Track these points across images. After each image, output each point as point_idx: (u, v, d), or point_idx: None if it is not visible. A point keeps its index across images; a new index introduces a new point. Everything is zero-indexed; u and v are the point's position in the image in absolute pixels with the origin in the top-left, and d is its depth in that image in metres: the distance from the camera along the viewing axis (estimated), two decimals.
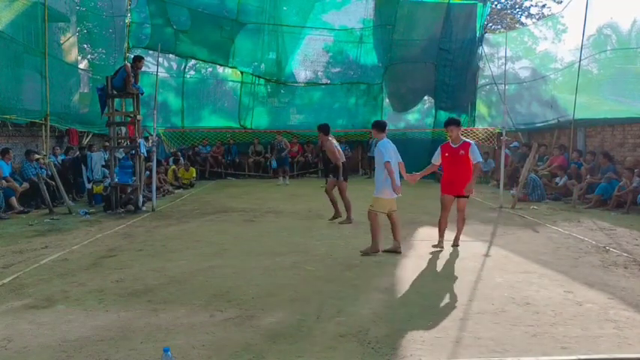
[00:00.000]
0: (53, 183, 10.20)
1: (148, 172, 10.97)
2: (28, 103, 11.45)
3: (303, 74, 18.87)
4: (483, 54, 17.25)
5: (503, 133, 10.90)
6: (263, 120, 18.34)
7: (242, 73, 17.88)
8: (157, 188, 11.32)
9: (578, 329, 3.80)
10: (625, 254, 6.17)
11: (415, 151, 14.03)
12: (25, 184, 10.11)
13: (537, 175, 11.72)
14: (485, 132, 16.55)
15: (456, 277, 5.25)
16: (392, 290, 4.83)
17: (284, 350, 3.45)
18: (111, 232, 7.79)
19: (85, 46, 16.62)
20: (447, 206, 6.50)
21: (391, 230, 6.36)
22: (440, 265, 5.81)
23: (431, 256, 6.18)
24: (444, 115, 15.89)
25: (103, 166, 12.02)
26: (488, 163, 15.70)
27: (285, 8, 17.52)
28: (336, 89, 18.56)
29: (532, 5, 28.36)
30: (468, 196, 6.45)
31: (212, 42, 17.07)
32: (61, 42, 13.73)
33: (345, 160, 8.43)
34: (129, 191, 10.19)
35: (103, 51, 16.90)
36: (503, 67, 14.13)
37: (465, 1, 17.47)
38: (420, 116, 19.53)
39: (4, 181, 9.55)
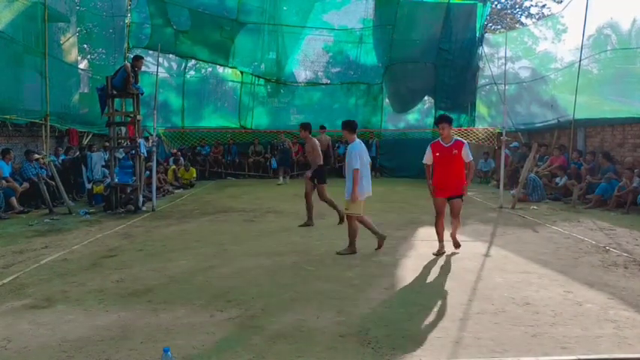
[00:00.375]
0: (53, 183, 10.20)
1: (147, 172, 10.97)
2: (28, 103, 11.46)
3: (303, 74, 18.90)
4: (483, 54, 17.26)
5: (503, 133, 10.90)
6: (263, 120, 18.35)
7: (242, 73, 17.90)
8: (157, 188, 11.33)
9: (578, 329, 3.80)
10: (625, 254, 6.17)
11: (415, 152, 13.97)
12: (25, 184, 10.11)
13: (537, 175, 11.72)
14: (485, 132, 16.55)
15: (456, 277, 5.25)
16: (392, 290, 4.83)
17: (284, 350, 3.45)
18: (111, 232, 7.80)
19: (85, 46, 16.62)
20: (440, 210, 6.18)
21: (368, 229, 6.37)
22: (440, 265, 5.80)
23: (431, 256, 6.17)
24: None
25: (103, 166, 12.01)
26: (488, 163, 15.71)
27: (285, 8, 17.53)
28: (336, 89, 18.57)
29: (532, 5, 28.41)
30: (462, 197, 6.17)
31: (212, 42, 17.08)
32: (61, 42, 13.73)
33: (320, 163, 8.20)
34: (129, 191, 10.19)
35: (103, 51, 16.91)
36: (503, 67, 14.13)
37: (465, 1, 17.48)
38: (420, 116, 19.54)
39: (4, 181, 9.55)
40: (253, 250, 6.45)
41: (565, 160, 12.39)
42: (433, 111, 18.19)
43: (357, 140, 6.33)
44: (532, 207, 10.24)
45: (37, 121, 11.37)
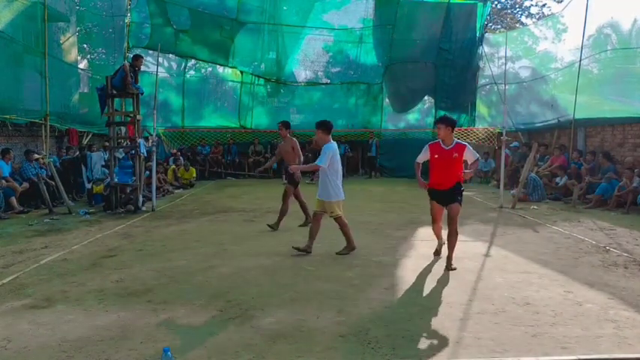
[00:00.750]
0: (53, 183, 10.20)
1: (147, 172, 10.97)
2: (28, 102, 11.46)
3: (303, 74, 18.90)
4: (483, 54, 17.27)
5: (504, 133, 10.89)
6: (263, 120, 18.35)
7: (242, 72, 17.89)
8: (157, 188, 11.32)
9: (578, 329, 3.79)
10: (625, 254, 6.17)
11: (415, 152, 13.93)
12: (25, 184, 10.11)
13: (538, 175, 11.72)
14: (485, 132, 16.57)
15: (456, 277, 5.24)
16: (392, 290, 4.82)
17: (284, 350, 3.45)
18: (111, 232, 7.79)
19: (85, 45, 16.62)
20: (437, 218, 5.84)
21: (310, 231, 6.28)
22: (440, 264, 5.80)
23: (431, 256, 6.17)
24: None
25: (103, 166, 12.02)
26: (488, 163, 15.71)
27: (285, 8, 17.53)
28: (336, 89, 18.57)
29: (532, 5, 28.43)
30: (460, 202, 5.59)
31: (212, 42, 17.09)
32: (61, 42, 13.72)
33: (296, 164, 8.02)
34: (129, 191, 10.19)
35: (103, 51, 16.92)
36: (503, 67, 14.14)
37: (465, 1, 17.48)
38: (420, 116, 19.55)
39: (4, 181, 9.55)
40: (253, 250, 6.45)
41: (565, 160, 12.39)
42: (433, 111, 18.21)
43: (333, 142, 6.23)
44: (532, 207, 10.24)
45: (36, 120, 11.37)
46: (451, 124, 5.66)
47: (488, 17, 21.20)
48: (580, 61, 12.78)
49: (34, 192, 10.14)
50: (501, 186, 10.80)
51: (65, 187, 10.39)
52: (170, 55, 17.65)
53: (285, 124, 8.17)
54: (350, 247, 6.25)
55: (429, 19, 17.40)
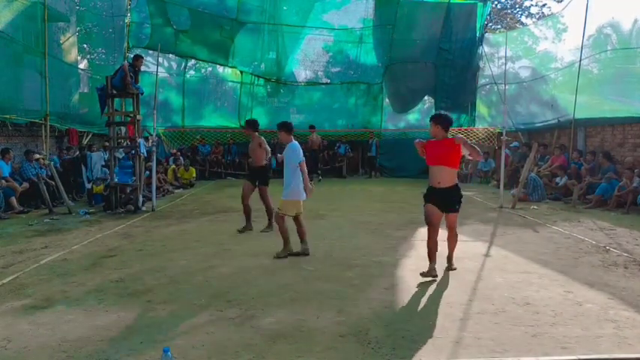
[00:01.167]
0: (53, 183, 10.20)
1: (147, 172, 10.97)
2: (28, 102, 11.46)
3: (303, 74, 18.89)
4: (483, 54, 17.26)
5: (504, 133, 10.89)
6: (263, 120, 18.25)
7: (242, 72, 17.88)
8: (157, 188, 11.32)
9: (578, 329, 3.79)
10: (625, 254, 6.17)
11: (415, 152, 13.97)
12: (25, 184, 10.11)
13: (538, 175, 11.72)
14: (486, 132, 16.57)
15: (456, 277, 5.24)
16: (392, 290, 4.82)
17: (284, 350, 3.45)
18: (111, 232, 7.79)
19: (85, 45, 16.62)
20: (433, 221, 5.14)
21: (297, 233, 6.20)
22: (440, 264, 5.79)
23: None
24: None
25: (103, 166, 12.02)
26: (488, 162, 15.71)
27: (285, 8, 17.53)
28: (335, 89, 18.56)
29: (532, 5, 28.41)
30: (457, 210, 5.25)
31: (212, 42, 17.07)
32: (61, 42, 13.74)
33: (264, 163, 8.00)
34: (129, 191, 10.19)
35: (103, 51, 16.92)
36: (503, 67, 14.13)
37: (465, 1, 17.48)
38: (420, 116, 19.54)
39: (4, 181, 9.55)
40: (253, 250, 6.45)
41: (565, 160, 12.39)
42: (433, 111, 18.16)
43: (295, 142, 6.20)
44: (532, 207, 10.24)
45: (36, 120, 11.37)
46: (442, 123, 5.32)
47: (489, 17, 21.20)
48: (580, 61, 12.78)
49: (34, 192, 10.14)
50: (501, 186, 10.79)
51: (65, 187, 10.39)
52: (170, 55, 17.63)
53: (250, 124, 7.97)
54: (286, 251, 6.07)
55: (429, 19, 17.39)
